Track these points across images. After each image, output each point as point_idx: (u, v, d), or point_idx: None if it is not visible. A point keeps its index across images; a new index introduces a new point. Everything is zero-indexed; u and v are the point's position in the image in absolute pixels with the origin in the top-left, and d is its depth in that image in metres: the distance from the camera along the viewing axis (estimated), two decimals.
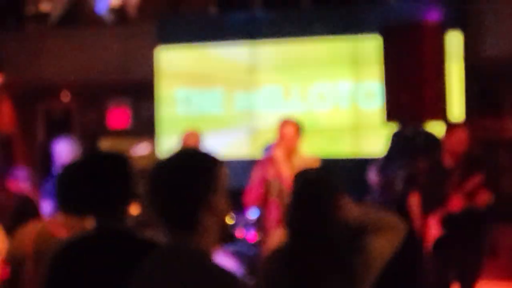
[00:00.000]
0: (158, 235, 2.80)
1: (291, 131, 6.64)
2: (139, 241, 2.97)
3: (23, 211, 5.88)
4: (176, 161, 2.47)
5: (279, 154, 6.50)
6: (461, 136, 6.62)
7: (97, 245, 2.95)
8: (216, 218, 2.34)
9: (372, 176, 7.33)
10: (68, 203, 3.69)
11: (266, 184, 6.58)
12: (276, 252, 3.20)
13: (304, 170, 3.68)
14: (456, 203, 6.42)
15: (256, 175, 6.71)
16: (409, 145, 7.06)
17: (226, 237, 3.25)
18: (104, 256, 2.88)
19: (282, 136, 6.64)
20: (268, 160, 6.74)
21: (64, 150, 6.40)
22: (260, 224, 7.10)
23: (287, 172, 6.02)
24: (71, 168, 3.61)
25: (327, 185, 3.08)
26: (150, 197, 2.39)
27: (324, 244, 2.94)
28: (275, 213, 6.42)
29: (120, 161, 3.24)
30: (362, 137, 9.44)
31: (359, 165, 8.21)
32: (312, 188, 3.10)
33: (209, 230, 2.33)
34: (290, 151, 6.64)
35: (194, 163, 2.43)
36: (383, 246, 2.98)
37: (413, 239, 6.19)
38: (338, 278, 2.93)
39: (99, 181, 3.10)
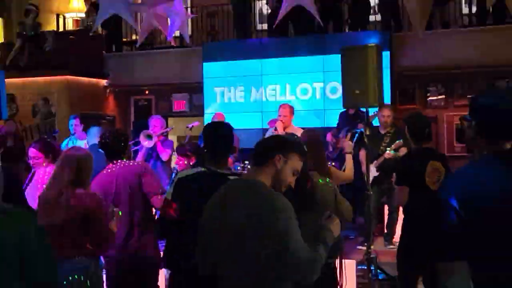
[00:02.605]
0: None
1: (286, 111, 7.59)
2: (225, 176, 3.65)
3: None
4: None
5: (279, 126, 7.52)
6: (386, 112, 7.89)
7: (207, 179, 3.72)
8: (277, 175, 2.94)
9: (329, 138, 8.56)
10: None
11: None
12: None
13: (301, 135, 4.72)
14: (388, 155, 7.69)
15: None
16: (351, 119, 8.31)
17: None
18: (212, 186, 3.33)
19: (279, 113, 7.59)
20: (275, 130, 7.47)
21: (156, 123, 7.67)
22: None
23: None
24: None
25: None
26: None
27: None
28: None
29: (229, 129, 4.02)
30: (328, 115, 10.71)
31: (327, 132, 9.01)
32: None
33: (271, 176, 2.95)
34: (286, 125, 7.47)
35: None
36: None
37: (362, 177, 7.16)
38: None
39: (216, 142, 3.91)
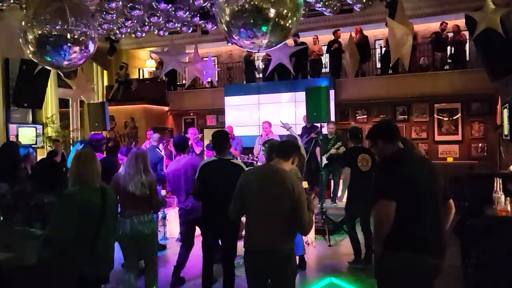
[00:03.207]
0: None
1: (267, 125, 7.18)
2: (234, 163, 3.48)
3: None
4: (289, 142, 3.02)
5: (263, 134, 7.12)
6: (331, 125, 7.61)
7: (218, 162, 3.55)
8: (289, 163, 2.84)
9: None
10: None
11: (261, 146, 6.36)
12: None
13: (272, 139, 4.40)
14: (332, 151, 7.25)
15: (257, 143, 7.13)
16: (308, 130, 7.93)
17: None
18: (220, 166, 3.39)
19: (263, 127, 7.22)
20: (261, 136, 7.14)
21: (191, 131, 7.20)
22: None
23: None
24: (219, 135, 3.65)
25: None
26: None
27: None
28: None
29: (226, 133, 3.70)
30: (297, 127, 9.06)
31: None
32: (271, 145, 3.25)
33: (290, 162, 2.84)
34: (267, 133, 7.02)
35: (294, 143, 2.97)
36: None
37: (317, 164, 6.85)
38: None
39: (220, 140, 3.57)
